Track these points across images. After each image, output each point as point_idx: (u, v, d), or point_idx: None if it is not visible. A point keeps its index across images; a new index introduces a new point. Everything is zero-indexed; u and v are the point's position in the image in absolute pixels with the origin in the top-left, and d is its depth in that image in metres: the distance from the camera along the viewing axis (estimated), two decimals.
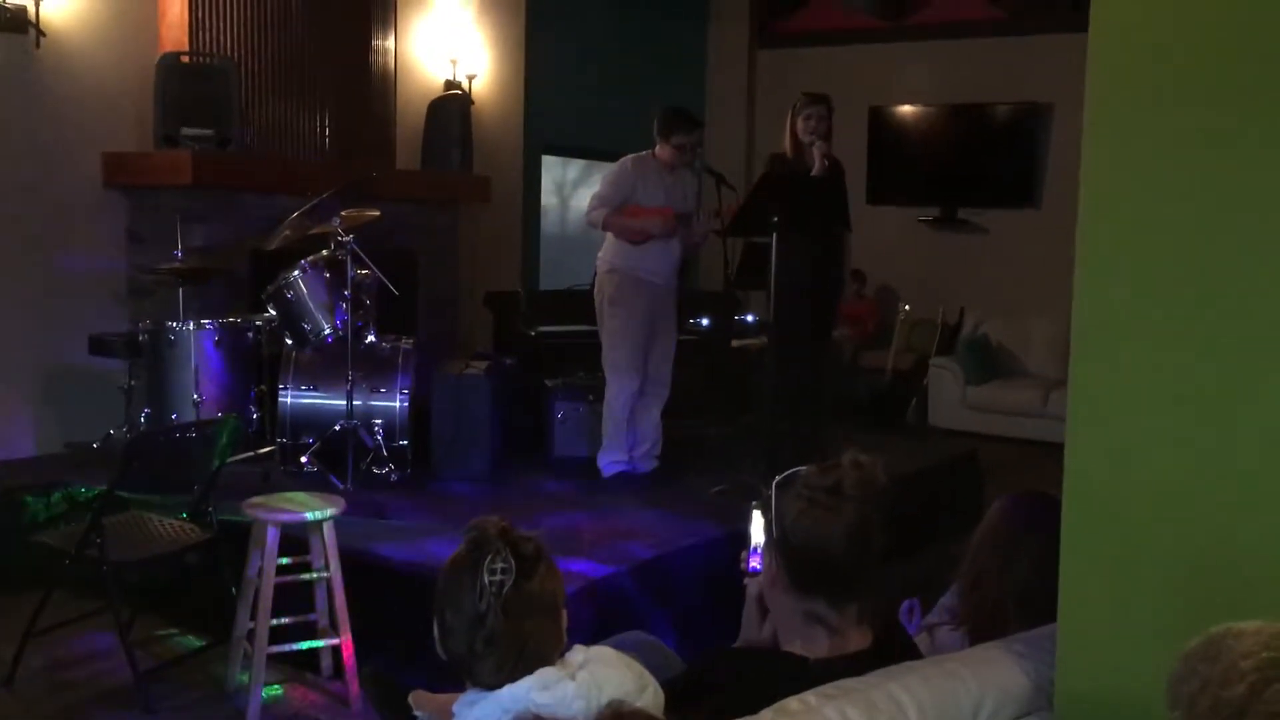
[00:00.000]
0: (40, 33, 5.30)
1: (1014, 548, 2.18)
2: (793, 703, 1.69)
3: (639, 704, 1.61)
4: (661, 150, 5.15)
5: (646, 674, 1.68)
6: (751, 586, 2.06)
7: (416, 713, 1.79)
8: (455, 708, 1.67)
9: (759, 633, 2.04)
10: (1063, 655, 1.77)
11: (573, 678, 1.60)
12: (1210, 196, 1.61)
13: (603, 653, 1.68)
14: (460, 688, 1.74)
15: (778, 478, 1.98)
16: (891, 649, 1.96)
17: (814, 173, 5.06)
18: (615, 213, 5.12)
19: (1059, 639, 1.77)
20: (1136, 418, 1.68)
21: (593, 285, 5.35)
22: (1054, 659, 1.79)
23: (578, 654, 1.67)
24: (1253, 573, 1.60)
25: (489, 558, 1.63)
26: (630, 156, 5.21)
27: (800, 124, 5.16)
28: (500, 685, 1.63)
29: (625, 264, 5.13)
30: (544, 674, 1.60)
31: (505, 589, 1.62)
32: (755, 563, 2.04)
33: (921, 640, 2.26)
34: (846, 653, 1.92)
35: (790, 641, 1.96)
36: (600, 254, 5.29)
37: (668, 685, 1.79)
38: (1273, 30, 1.55)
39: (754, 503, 2.05)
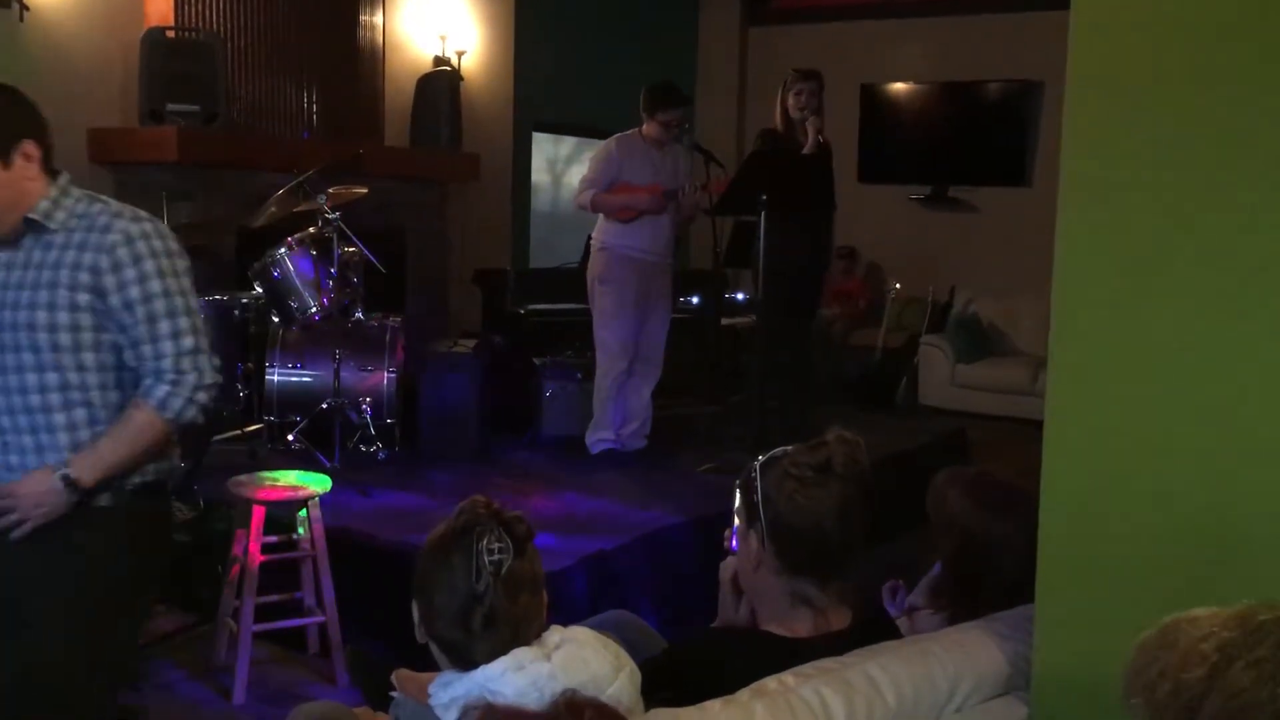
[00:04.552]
0: (24, 7, 5.23)
1: (986, 531, 2.19)
2: (770, 683, 1.69)
3: (615, 684, 1.61)
4: (649, 127, 5.12)
5: (624, 654, 1.68)
6: (725, 568, 2.06)
7: (394, 693, 1.79)
8: (431, 688, 1.66)
9: (735, 612, 2.04)
10: (1040, 636, 1.77)
11: (548, 658, 1.60)
12: (1191, 174, 1.61)
13: (579, 633, 1.67)
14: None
15: (760, 459, 1.97)
16: (871, 628, 1.96)
17: (805, 150, 5.05)
18: (603, 193, 5.09)
19: (1036, 620, 1.78)
20: (1117, 397, 1.68)
21: (584, 263, 5.33)
22: (1031, 639, 1.80)
23: (554, 634, 1.67)
24: (1232, 553, 1.60)
25: (485, 537, 1.63)
26: (615, 136, 5.18)
27: (791, 99, 5.17)
28: None
29: (616, 242, 5.11)
30: (519, 654, 1.60)
31: (504, 567, 1.62)
32: (736, 542, 2.03)
33: (902, 624, 2.26)
34: (828, 632, 1.92)
35: (771, 622, 1.96)
36: (593, 232, 5.27)
37: (646, 665, 1.79)
38: (1254, 6, 1.54)
39: (736, 482, 2.04)
